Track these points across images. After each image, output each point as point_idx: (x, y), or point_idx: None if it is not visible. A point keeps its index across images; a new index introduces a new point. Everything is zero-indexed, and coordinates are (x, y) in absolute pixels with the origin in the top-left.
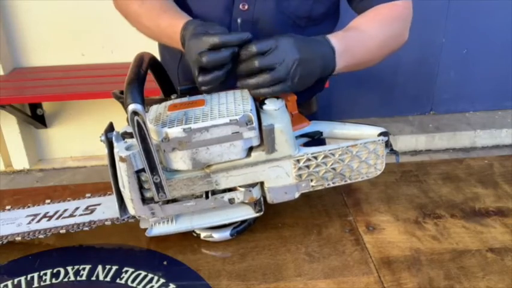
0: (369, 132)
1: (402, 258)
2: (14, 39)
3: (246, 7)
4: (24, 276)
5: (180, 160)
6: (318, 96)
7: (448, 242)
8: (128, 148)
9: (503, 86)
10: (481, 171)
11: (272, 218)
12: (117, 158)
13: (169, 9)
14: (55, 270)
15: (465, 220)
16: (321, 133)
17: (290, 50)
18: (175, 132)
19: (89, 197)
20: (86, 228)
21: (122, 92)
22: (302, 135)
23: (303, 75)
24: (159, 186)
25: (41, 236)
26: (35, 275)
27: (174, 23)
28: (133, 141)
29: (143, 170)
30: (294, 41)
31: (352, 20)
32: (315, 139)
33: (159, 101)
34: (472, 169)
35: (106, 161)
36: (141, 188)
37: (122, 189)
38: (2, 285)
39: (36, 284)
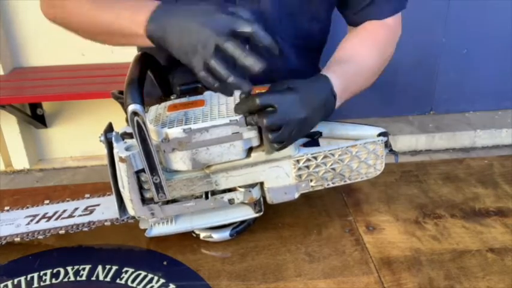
0: (368, 132)
1: (402, 258)
2: (14, 39)
3: None
4: (24, 276)
5: (180, 160)
6: None
7: (448, 242)
8: (127, 148)
9: (503, 86)
10: (481, 171)
11: (272, 218)
12: (116, 159)
13: None
14: (55, 270)
15: (465, 220)
16: (321, 133)
17: (297, 110)
18: (175, 132)
19: (88, 198)
20: (85, 229)
21: (120, 93)
22: None
23: (305, 130)
24: (158, 187)
25: (40, 237)
26: (35, 275)
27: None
28: (133, 142)
29: (143, 170)
30: (300, 98)
31: (346, 41)
32: (314, 139)
33: (159, 102)
34: (472, 169)
35: (106, 161)
36: (140, 188)
37: (121, 189)
38: (2, 285)
39: (36, 284)
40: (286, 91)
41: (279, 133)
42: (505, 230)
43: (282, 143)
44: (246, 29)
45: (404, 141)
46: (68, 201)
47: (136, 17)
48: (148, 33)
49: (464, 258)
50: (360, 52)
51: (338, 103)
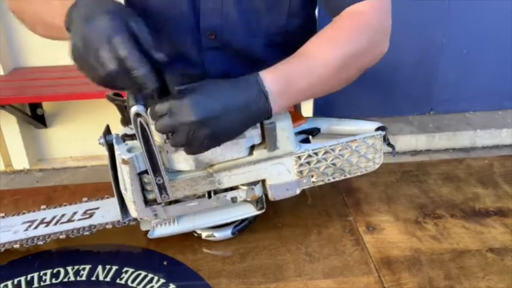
0: (366, 127)
1: (402, 258)
2: (14, 39)
3: (213, 36)
4: (24, 276)
5: (183, 160)
6: None
7: (448, 242)
8: (129, 150)
9: (503, 86)
10: (481, 171)
11: (272, 218)
12: (119, 161)
13: None
14: (55, 270)
15: (465, 220)
16: (319, 129)
17: (186, 113)
18: None
19: (86, 201)
20: (87, 233)
21: (115, 94)
22: (300, 132)
23: (213, 135)
24: (162, 188)
25: (40, 243)
26: (35, 275)
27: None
28: (135, 143)
29: (145, 171)
30: (194, 100)
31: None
32: (312, 136)
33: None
34: (472, 169)
35: (106, 161)
36: (143, 189)
37: (123, 191)
38: (2, 285)
39: (36, 284)
40: (184, 94)
41: (173, 137)
42: (505, 230)
43: (186, 147)
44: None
45: (404, 141)
46: (65, 205)
47: (65, 10)
48: (66, 25)
49: (464, 258)
50: (315, 46)
51: (279, 101)
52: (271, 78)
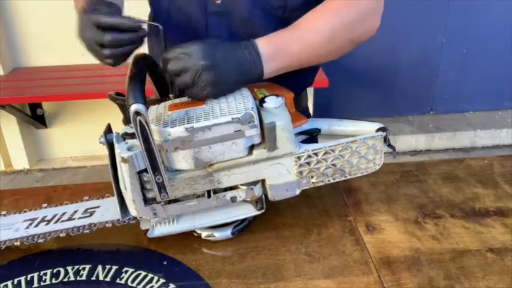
0: (367, 128)
1: (402, 258)
2: (14, 39)
3: (219, 1)
4: (24, 276)
5: (182, 159)
6: (306, 92)
7: (448, 242)
8: (129, 149)
9: (503, 86)
10: (481, 171)
11: (272, 218)
12: (118, 159)
13: None
14: (55, 270)
15: (465, 220)
16: (319, 130)
17: (196, 57)
18: (177, 131)
19: (87, 200)
20: (87, 231)
21: (117, 94)
22: (300, 133)
23: (213, 82)
24: (161, 186)
25: (40, 241)
26: (35, 275)
27: None
28: (135, 142)
29: (145, 170)
30: (203, 47)
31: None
32: (313, 136)
33: (157, 102)
34: (472, 169)
35: (106, 161)
36: (143, 188)
37: (123, 190)
38: (2, 285)
39: (36, 284)
40: (193, 42)
41: (180, 77)
42: (504, 230)
43: (190, 88)
44: (101, 21)
45: (404, 141)
46: (67, 204)
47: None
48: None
49: (464, 258)
50: (307, 18)
51: (271, 64)
52: (264, 43)
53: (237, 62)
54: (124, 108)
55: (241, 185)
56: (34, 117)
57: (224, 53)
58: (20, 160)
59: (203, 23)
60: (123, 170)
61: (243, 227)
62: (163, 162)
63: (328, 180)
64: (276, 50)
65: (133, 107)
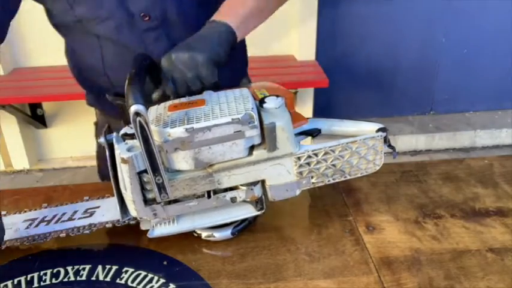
0: (367, 128)
1: (402, 258)
2: (14, 39)
3: (147, 18)
4: (24, 276)
5: (182, 160)
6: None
7: (448, 242)
8: (129, 149)
9: (503, 86)
10: (481, 171)
11: (272, 218)
12: (118, 160)
13: None
14: (55, 270)
15: (465, 220)
16: (319, 130)
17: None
18: (177, 132)
19: (87, 200)
20: (87, 232)
21: (116, 94)
22: (300, 133)
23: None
24: (161, 187)
25: (40, 241)
26: (35, 275)
27: None
28: (135, 143)
29: (145, 171)
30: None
31: None
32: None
33: (157, 102)
34: (472, 169)
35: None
36: (142, 189)
37: (123, 191)
38: (2, 285)
39: (36, 284)
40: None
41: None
42: (504, 230)
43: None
44: None
45: (404, 141)
46: (67, 204)
47: None
48: None
49: (464, 258)
50: None
51: (231, 18)
52: (221, 14)
53: (218, 46)
54: (124, 109)
55: (241, 185)
56: (34, 117)
57: (204, 54)
58: (20, 160)
59: (142, 45)
60: (123, 170)
61: (243, 227)
62: (163, 163)
63: (328, 181)
64: (228, 9)
65: (133, 108)
